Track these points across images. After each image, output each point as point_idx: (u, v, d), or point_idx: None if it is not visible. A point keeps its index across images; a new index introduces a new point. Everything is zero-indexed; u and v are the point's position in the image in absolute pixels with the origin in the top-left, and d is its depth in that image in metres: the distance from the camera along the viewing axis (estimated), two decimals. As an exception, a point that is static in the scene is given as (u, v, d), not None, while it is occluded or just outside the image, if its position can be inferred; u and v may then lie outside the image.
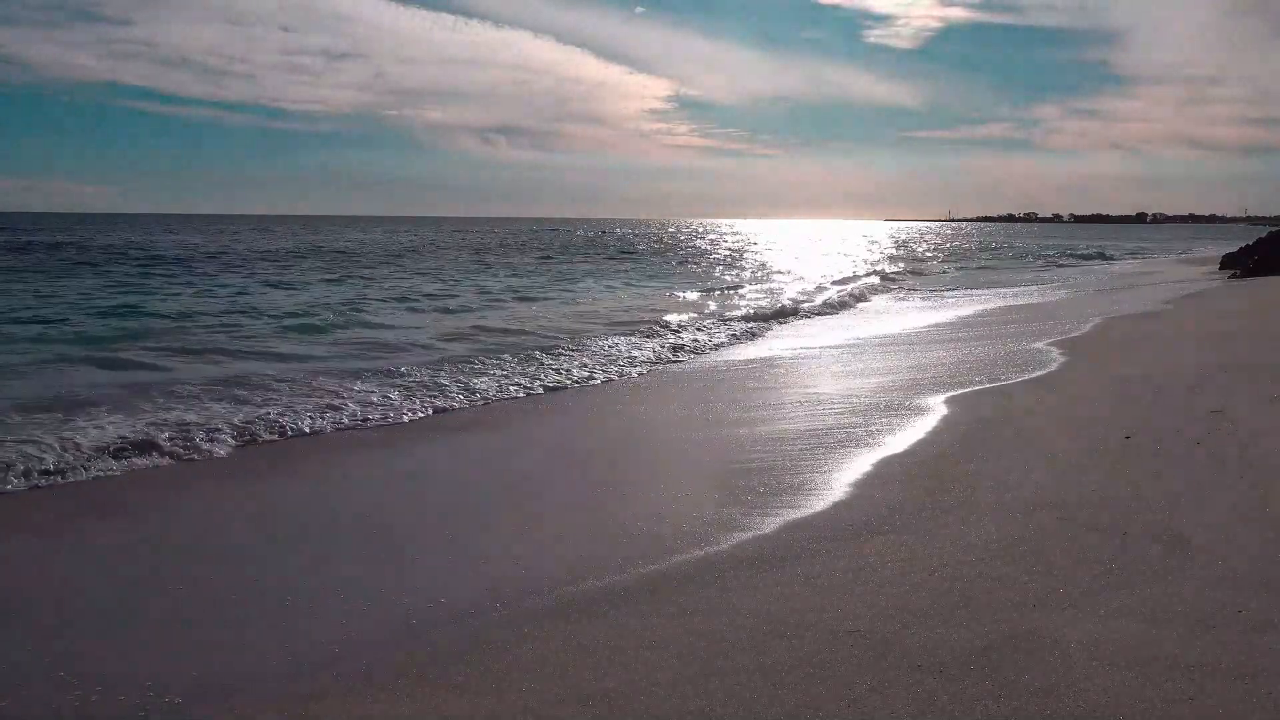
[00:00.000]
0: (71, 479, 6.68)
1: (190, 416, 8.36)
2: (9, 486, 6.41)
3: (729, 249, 59.82)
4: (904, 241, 76.32)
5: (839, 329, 16.82)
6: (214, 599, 4.58)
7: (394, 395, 9.69)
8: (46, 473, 6.68)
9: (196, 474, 7.03)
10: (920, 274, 36.29)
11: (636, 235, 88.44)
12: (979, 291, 26.20)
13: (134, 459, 7.13)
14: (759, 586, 4.38)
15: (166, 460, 7.22)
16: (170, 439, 7.53)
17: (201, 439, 7.63)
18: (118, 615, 4.42)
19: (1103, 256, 50.88)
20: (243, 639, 4.11)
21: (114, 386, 10.00)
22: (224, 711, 3.45)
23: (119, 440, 7.38)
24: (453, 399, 9.76)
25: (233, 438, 7.80)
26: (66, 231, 71.69)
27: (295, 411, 8.72)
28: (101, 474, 6.84)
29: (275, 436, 8.07)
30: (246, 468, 7.22)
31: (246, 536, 5.66)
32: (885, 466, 6.45)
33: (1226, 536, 4.65)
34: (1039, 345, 12.69)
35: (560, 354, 12.86)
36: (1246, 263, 27.73)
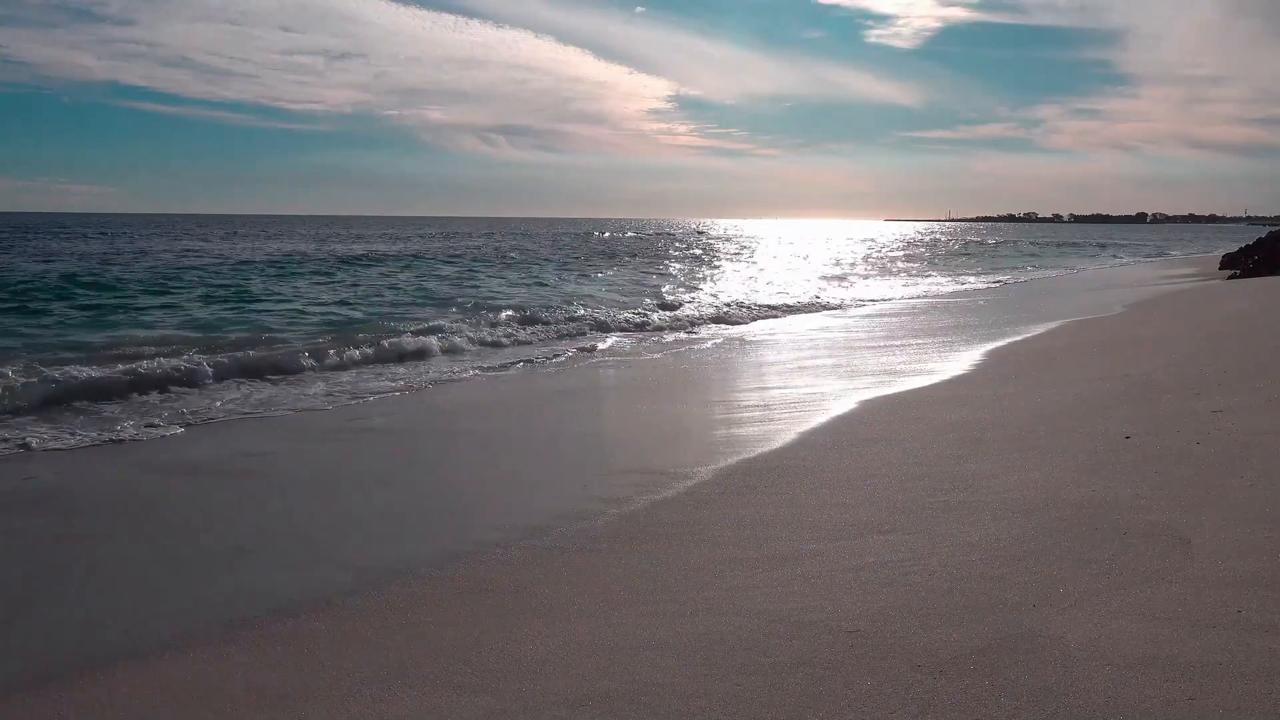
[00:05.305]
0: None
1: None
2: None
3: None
4: (878, 245, 75.79)
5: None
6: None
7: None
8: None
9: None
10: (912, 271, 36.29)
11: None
12: (976, 287, 26.22)
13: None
14: (759, 586, 4.38)
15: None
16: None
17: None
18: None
19: (1101, 255, 50.91)
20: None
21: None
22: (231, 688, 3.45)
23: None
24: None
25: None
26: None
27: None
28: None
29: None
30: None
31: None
32: (884, 466, 6.45)
33: (1226, 536, 4.64)
34: (1035, 341, 12.68)
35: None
36: (1246, 263, 27.74)
